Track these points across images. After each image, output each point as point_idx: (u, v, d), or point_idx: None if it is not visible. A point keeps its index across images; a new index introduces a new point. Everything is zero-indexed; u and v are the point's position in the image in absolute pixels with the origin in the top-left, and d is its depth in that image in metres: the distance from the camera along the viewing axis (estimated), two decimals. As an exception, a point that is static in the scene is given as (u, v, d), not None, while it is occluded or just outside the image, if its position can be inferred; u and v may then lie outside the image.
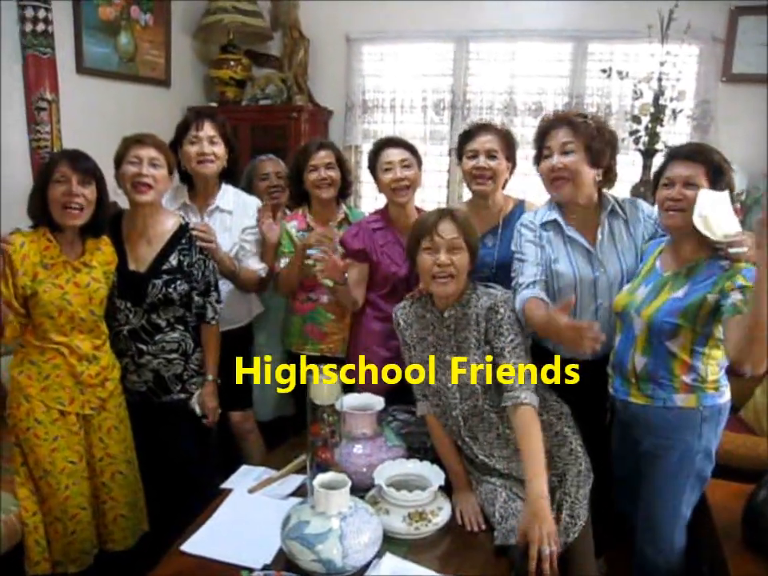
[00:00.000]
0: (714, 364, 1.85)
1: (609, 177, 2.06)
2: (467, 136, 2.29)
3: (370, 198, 3.87)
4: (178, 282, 2.14)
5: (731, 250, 1.75)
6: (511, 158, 2.29)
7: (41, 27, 2.74)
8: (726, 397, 1.89)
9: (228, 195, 2.46)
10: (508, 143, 2.27)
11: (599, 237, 2.04)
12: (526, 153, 3.45)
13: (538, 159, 2.09)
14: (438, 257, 1.88)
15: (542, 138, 2.06)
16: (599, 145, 1.98)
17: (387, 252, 2.35)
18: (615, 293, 2.02)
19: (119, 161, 2.13)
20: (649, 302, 1.87)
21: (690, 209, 1.77)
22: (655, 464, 1.90)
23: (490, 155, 2.22)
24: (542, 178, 2.07)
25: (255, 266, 2.45)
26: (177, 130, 2.43)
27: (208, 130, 2.37)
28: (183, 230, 2.21)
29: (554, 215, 2.07)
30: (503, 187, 2.33)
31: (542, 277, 2.01)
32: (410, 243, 1.99)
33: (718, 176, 1.80)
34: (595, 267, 2.03)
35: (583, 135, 1.97)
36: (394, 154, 2.35)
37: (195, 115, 2.44)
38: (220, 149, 2.40)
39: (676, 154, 1.89)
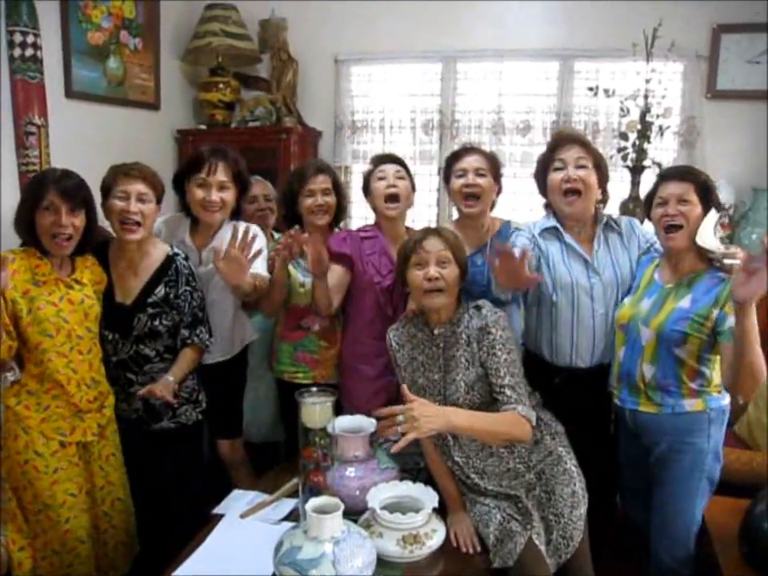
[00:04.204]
0: (719, 369, 1.91)
1: (605, 197, 2.19)
2: (455, 157, 2.32)
3: (359, 219, 3.87)
4: (164, 316, 2.13)
5: (726, 261, 1.87)
6: (497, 180, 2.32)
7: (29, 52, 2.73)
8: (728, 398, 1.96)
9: (227, 233, 2.27)
10: (494, 165, 2.31)
11: (595, 246, 2.14)
12: (513, 171, 3.57)
13: (544, 172, 2.17)
14: (427, 270, 1.89)
15: (552, 151, 2.15)
16: (604, 168, 2.15)
17: (373, 261, 2.36)
18: (611, 300, 2.10)
19: (106, 191, 2.08)
20: (656, 313, 1.95)
21: (686, 226, 1.90)
22: (668, 469, 1.95)
23: (479, 173, 2.25)
24: (551, 189, 2.14)
25: (263, 272, 2.29)
26: (188, 163, 2.32)
27: (220, 174, 2.24)
28: (170, 260, 2.16)
29: (553, 222, 2.16)
30: (491, 209, 2.35)
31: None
32: (398, 262, 2.01)
33: (706, 192, 1.92)
34: (591, 275, 2.11)
35: (593, 155, 2.12)
36: (389, 167, 2.39)
37: (209, 153, 2.26)
38: (229, 195, 2.28)
39: (666, 176, 2.01)
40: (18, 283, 1.90)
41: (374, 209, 2.45)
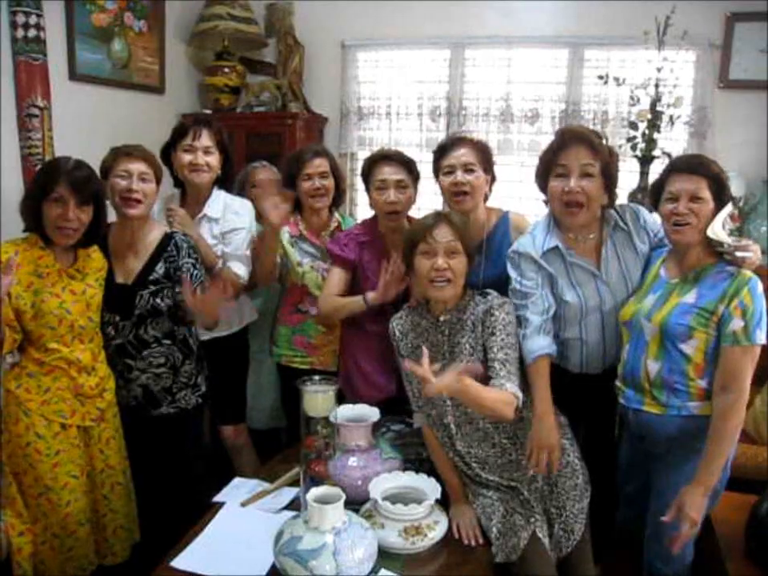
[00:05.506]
0: None
1: (611, 202, 2.01)
2: (442, 151, 2.20)
3: (365, 206, 3.83)
4: (165, 291, 2.11)
5: (738, 254, 1.76)
6: (489, 170, 2.20)
7: (33, 33, 2.71)
8: None
9: (217, 202, 2.41)
10: (485, 155, 2.18)
11: (603, 255, 2.00)
12: (521, 159, 3.53)
13: (546, 175, 1.98)
14: (435, 261, 1.86)
15: (555, 153, 1.95)
16: (613, 171, 1.94)
17: (372, 270, 2.29)
18: (621, 310, 1.99)
19: (106, 172, 2.09)
20: (659, 308, 1.86)
21: (697, 223, 1.78)
22: (668, 474, 1.87)
23: (467, 169, 2.13)
24: (551, 198, 1.98)
25: (237, 270, 2.36)
26: (173, 133, 2.41)
27: (204, 140, 2.35)
28: (169, 237, 2.17)
29: (555, 241, 1.99)
30: (485, 201, 2.25)
31: (551, 314, 1.97)
32: (405, 247, 1.97)
33: (719, 188, 1.80)
34: (601, 290, 2.00)
35: (601, 158, 1.90)
36: (388, 173, 2.27)
37: (193, 121, 2.40)
38: (214, 159, 2.38)
39: (676, 167, 1.86)
40: (22, 276, 1.89)
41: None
